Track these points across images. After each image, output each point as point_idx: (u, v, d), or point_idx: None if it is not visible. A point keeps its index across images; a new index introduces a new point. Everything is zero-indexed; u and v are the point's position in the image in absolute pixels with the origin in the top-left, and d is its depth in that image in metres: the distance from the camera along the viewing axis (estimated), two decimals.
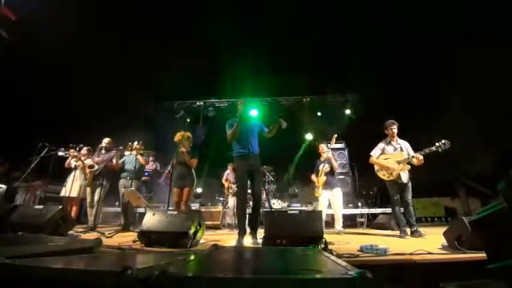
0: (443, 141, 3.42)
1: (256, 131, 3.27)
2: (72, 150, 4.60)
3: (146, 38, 7.57)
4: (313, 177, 4.82)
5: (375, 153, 3.86)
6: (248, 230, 3.06)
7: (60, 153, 4.54)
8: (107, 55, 6.83)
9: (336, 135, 4.76)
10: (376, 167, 3.82)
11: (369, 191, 7.26)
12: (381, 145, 3.88)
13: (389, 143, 3.82)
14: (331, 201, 4.55)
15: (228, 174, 6.05)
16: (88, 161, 4.68)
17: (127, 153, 4.81)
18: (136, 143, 4.90)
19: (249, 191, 3.17)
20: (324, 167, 4.57)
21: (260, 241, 2.56)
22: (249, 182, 3.09)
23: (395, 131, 3.77)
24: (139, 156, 4.76)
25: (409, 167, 3.60)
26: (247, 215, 3.24)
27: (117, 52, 6.95)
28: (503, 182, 1.12)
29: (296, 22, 7.32)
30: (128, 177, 4.77)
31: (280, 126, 3.15)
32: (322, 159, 4.75)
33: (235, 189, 5.62)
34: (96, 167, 4.49)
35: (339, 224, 4.48)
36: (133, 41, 7.30)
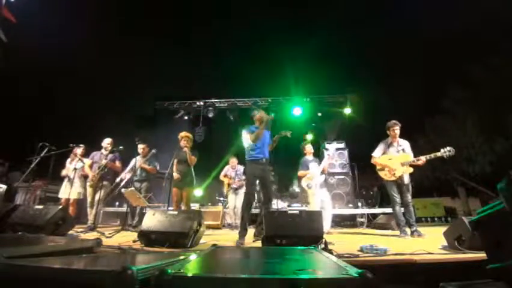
0: (448, 148, 3.45)
1: (269, 140, 3.51)
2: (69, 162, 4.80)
3: (147, 38, 7.58)
4: (302, 172, 4.63)
5: (377, 153, 3.85)
6: (253, 230, 3.15)
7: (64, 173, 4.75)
8: (107, 56, 6.84)
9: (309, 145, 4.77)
10: (378, 167, 3.80)
11: (369, 191, 7.25)
12: (382, 145, 3.86)
13: (391, 144, 3.79)
14: (324, 201, 4.48)
15: (228, 170, 5.81)
16: (87, 161, 4.69)
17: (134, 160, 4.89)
18: (141, 147, 4.91)
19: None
20: (323, 165, 4.53)
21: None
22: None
23: (398, 132, 3.74)
24: (146, 166, 4.80)
25: (412, 169, 3.59)
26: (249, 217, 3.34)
27: (117, 53, 6.96)
28: (503, 182, 1.12)
29: (296, 22, 7.33)
30: (138, 181, 4.83)
31: (284, 137, 3.47)
32: (310, 157, 4.66)
33: (237, 185, 5.52)
34: (105, 170, 4.52)
35: (328, 224, 4.43)
36: (133, 41, 7.30)
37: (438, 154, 3.46)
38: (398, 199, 3.60)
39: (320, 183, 4.49)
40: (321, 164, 4.59)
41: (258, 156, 3.29)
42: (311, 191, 4.50)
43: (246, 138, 3.34)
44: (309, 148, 4.75)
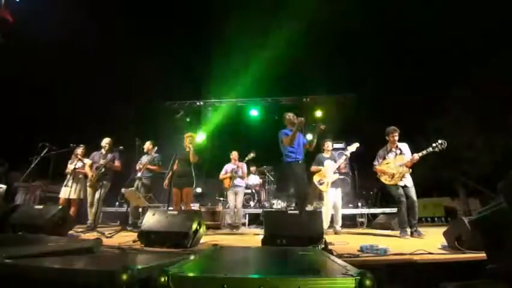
0: (439, 141, 3.43)
1: (303, 141, 3.81)
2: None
3: (147, 38, 7.57)
4: (315, 167, 4.59)
5: (377, 162, 3.91)
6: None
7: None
8: (106, 55, 6.83)
9: (358, 145, 4.51)
10: (379, 173, 3.84)
11: (369, 191, 7.25)
12: (381, 153, 3.91)
13: (390, 150, 3.82)
14: (336, 201, 4.50)
15: (228, 166, 5.39)
16: (87, 161, 4.69)
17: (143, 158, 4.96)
18: (148, 143, 4.98)
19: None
20: (340, 163, 4.49)
21: None
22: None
23: (396, 138, 3.76)
24: (151, 167, 4.83)
25: (410, 170, 3.59)
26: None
27: (117, 52, 6.95)
28: (503, 182, 1.12)
29: (295, 22, 7.32)
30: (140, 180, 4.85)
31: (318, 131, 3.79)
32: (326, 155, 4.64)
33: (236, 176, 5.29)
34: (103, 170, 4.52)
35: (338, 224, 4.46)
36: (133, 41, 7.29)
37: (430, 149, 3.45)
38: (403, 201, 3.55)
39: (334, 183, 4.46)
40: (337, 162, 4.50)
41: (297, 158, 3.61)
42: (323, 188, 4.45)
43: (282, 142, 3.65)
44: (327, 145, 4.71)
